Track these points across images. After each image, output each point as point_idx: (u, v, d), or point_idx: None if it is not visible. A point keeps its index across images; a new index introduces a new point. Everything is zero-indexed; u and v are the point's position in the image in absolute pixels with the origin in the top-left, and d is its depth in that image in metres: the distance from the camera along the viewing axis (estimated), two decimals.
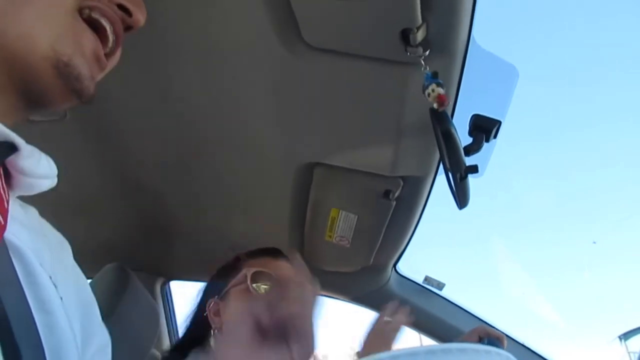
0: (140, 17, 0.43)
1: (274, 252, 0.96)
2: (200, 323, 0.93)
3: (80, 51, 0.39)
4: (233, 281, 0.90)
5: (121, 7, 0.42)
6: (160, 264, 1.34)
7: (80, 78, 0.39)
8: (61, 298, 0.39)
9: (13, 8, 0.35)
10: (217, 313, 0.90)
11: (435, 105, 0.62)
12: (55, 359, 0.35)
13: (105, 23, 0.40)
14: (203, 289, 1.00)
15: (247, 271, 0.88)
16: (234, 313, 0.87)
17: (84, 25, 0.39)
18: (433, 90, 0.61)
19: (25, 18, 0.35)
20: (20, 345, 0.31)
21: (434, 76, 0.62)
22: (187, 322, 0.97)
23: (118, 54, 0.45)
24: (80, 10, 0.39)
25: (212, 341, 0.88)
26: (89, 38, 0.40)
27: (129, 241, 1.21)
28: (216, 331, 0.88)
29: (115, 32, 0.42)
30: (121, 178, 1.00)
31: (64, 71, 0.37)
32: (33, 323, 0.34)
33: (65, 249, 0.48)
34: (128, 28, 0.44)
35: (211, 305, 0.91)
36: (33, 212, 0.45)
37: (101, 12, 0.40)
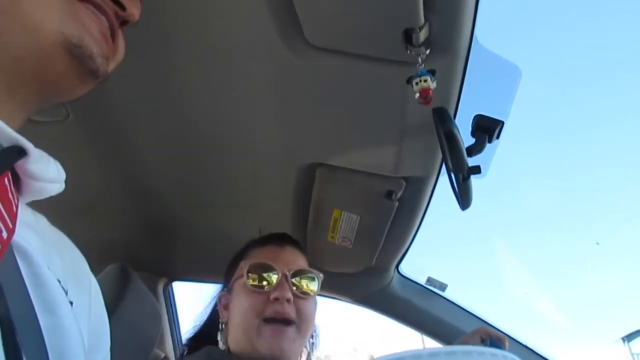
0: (134, 10, 0.44)
1: (280, 240, 0.91)
2: (214, 316, 0.92)
3: (88, 31, 0.39)
4: (236, 274, 0.87)
5: (115, 1, 0.42)
6: (162, 264, 1.34)
7: (94, 57, 0.39)
8: (71, 302, 0.39)
9: (13, 3, 0.35)
10: (227, 306, 0.87)
11: (416, 96, 0.60)
12: (58, 359, 0.36)
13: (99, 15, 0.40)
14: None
15: (244, 264, 0.84)
16: (236, 307, 0.84)
17: (83, 7, 0.39)
18: (425, 81, 0.59)
19: (28, 9, 0.35)
20: (22, 345, 0.32)
21: (430, 72, 0.61)
22: (205, 317, 0.96)
23: (121, 47, 0.45)
24: None
25: (219, 337, 0.86)
26: (91, 17, 0.40)
27: (132, 241, 1.21)
28: (223, 325, 0.87)
29: (110, 26, 0.42)
30: (124, 178, 1.00)
31: (76, 52, 0.37)
32: (37, 324, 0.34)
33: (79, 260, 0.48)
34: (124, 22, 0.44)
35: (221, 297, 0.90)
36: (42, 219, 0.45)
37: (94, 5, 0.40)
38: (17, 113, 0.38)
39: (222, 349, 0.85)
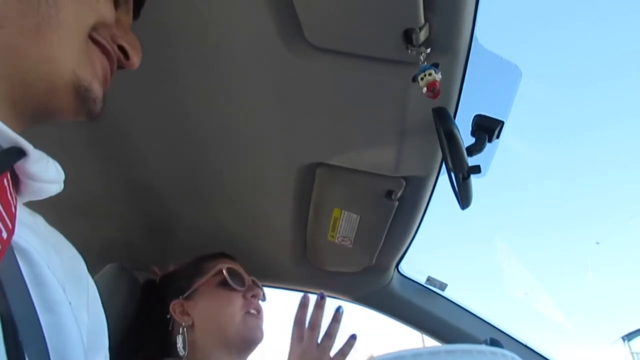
0: (136, 61, 0.46)
1: (227, 255, 1.05)
2: (162, 323, 0.96)
3: (97, 76, 0.41)
4: (204, 279, 0.97)
5: (121, 48, 0.44)
6: (162, 264, 1.34)
7: (97, 101, 0.41)
8: (70, 303, 0.39)
9: (37, 33, 0.36)
10: (184, 312, 0.95)
11: (424, 90, 0.60)
12: (59, 358, 0.36)
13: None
14: (153, 290, 1.04)
15: (223, 267, 0.97)
16: (210, 306, 0.94)
17: (95, 49, 0.41)
18: (430, 74, 0.59)
19: (49, 43, 0.37)
20: (24, 344, 0.32)
21: (434, 65, 0.60)
22: (139, 326, 0.99)
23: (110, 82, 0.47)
24: (89, 37, 0.41)
25: (179, 340, 0.91)
26: (102, 62, 0.42)
27: (132, 241, 1.21)
28: (186, 329, 0.93)
29: (110, 70, 0.44)
30: (124, 179, 1.00)
31: (83, 95, 0.39)
32: (37, 323, 0.35)
33: (77, 260, 0.48)
34: (120, 67, 0.46)
35: (174, 305, 0.95)
36: (40, 219, 0.45)
37: (103, 50, 0.42)
38: (17, 122, 0.39)
39: (181, 354, 0.90)
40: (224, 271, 0.96)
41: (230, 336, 0.91)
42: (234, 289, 0.95)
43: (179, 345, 0.90)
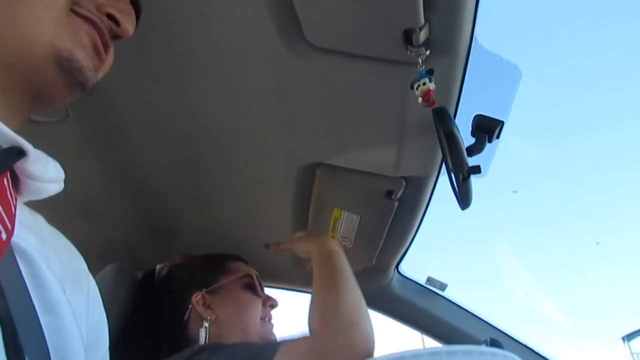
0: (129, 27, 0.44)
1: (241, 258, 1.08)
2: (177, 311, 0.97)
3: (80, 45, 0.39)
4: (230, 278, 0.99)
5: (110, 16, 0.43)
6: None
7: (83, 70, 0.39)
8: (69, 303, 0.39)
9: (9, 10, 0.35)
10: (206, 305, 0.95)
11: (420, 100, 0.61)
12: (60, 359, 0.36)
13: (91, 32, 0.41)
14: (170, 282, 1.04)
15: (252, 273, 1.01)
16: (238, 304, 0.97)
17: (79, 20, 0.40)
18: (424, 84, 0.60)
19: (23, 20, 0.36)
20: (24, 345, 0.32)
21: (429, 73, 0.61)
22: (160, 315, 1.00)
23: (110, 58, 0.46)
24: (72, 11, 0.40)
25: (202, 333, 0.92)
26: (86, 30, 0.40)
27: (132, 241, 1.21)
28: (208, 322, 0.94)
29: (102, 41, 0.42)
30: (124, 178, 1.00)
31: (66, 66, 0.38)
32: (38, 324, 0.34)
33: (77, 260, 0.48)
34: (116, 37, 0.44)
35: (197, 297, 0.96)
36: (40, 218, 0.45)
37: (90, 21, 0.41)
38: (13, 116, 0.38)
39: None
40: (254, 277, 1.00)
41: (250, 336, 0.95)
42: (257, 295, 1.00)
43: (203, 336, 0.92)
